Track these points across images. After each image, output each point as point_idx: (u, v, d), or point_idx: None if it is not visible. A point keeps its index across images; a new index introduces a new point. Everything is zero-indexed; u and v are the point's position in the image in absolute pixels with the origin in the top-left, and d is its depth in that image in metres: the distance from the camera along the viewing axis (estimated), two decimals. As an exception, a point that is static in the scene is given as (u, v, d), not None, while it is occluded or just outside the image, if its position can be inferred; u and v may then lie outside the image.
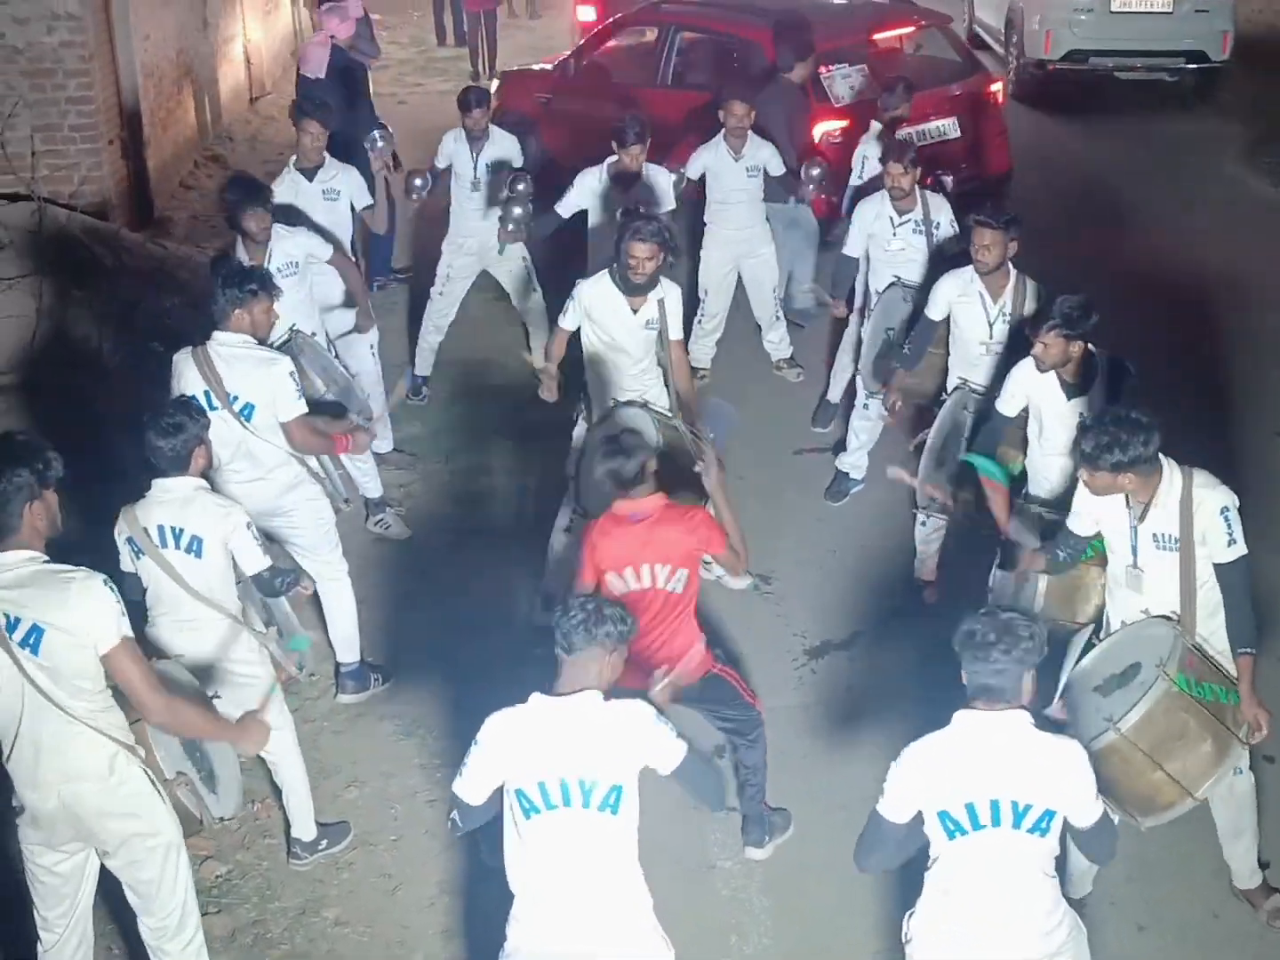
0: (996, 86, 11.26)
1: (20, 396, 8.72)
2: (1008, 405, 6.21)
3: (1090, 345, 5.94)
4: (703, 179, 9.00)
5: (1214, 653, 5.07)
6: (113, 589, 4.48)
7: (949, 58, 11.51)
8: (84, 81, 10.84)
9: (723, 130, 8.82)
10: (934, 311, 7.04)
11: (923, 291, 7.40)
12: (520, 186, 8.32)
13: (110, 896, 5.06)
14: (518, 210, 8.30)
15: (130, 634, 4.51)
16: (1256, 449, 8.34)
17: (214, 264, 6.67)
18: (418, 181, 8.85)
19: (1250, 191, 12.57)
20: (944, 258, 7.59)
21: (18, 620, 4.40)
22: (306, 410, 6.20)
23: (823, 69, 10.41)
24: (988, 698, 4.07)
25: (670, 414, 6.88)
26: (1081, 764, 4.08)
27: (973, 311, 6.86)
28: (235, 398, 6.03)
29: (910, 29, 11.55)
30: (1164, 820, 5.00)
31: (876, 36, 11.12)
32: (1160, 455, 4.97)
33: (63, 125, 10.85)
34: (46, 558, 4.50)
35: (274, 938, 5.60)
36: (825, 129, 10.19)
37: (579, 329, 6.92)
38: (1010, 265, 6.82)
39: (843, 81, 10.50)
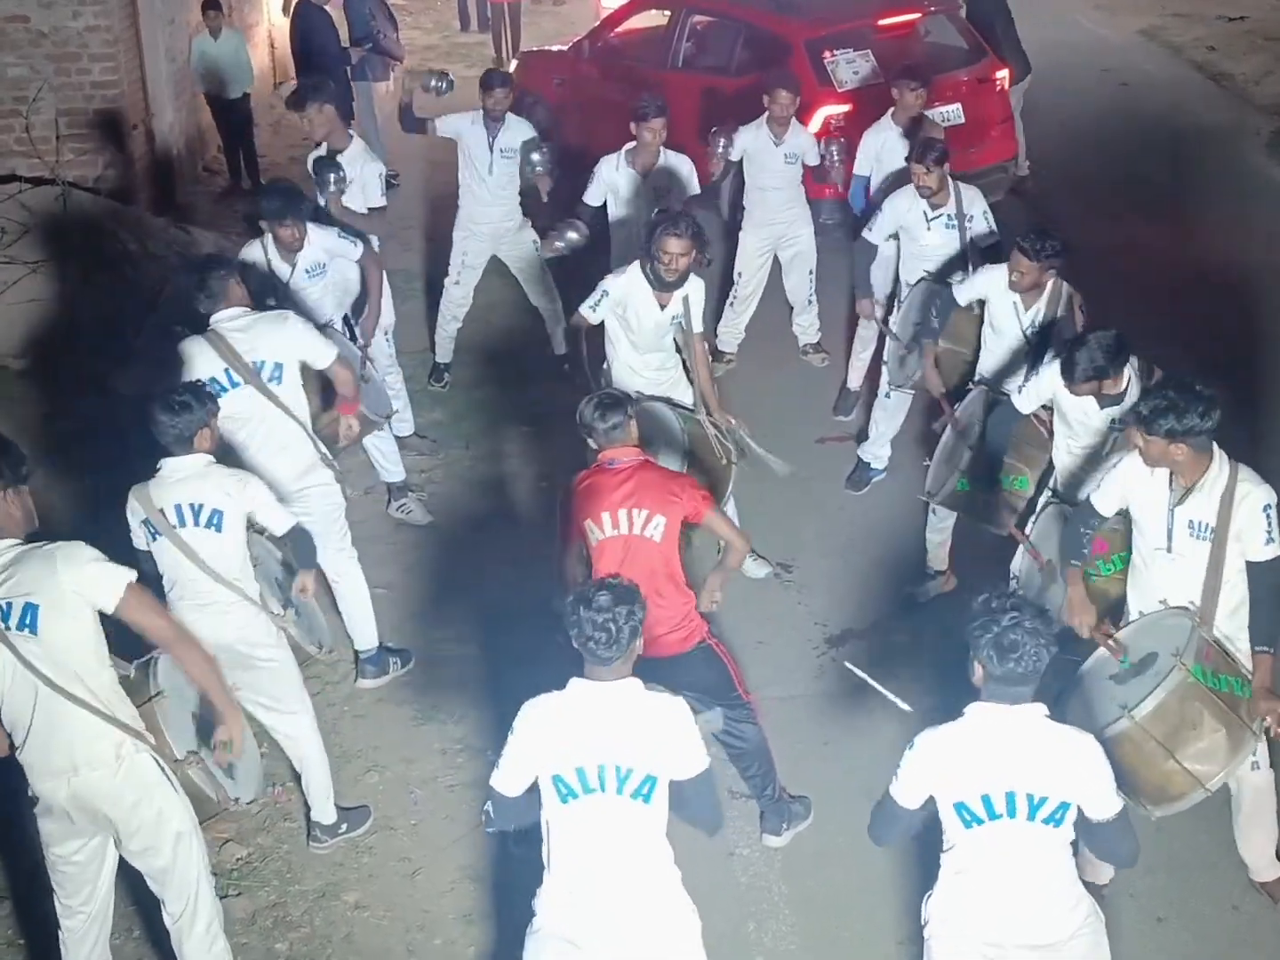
0: (1002, 73, 11.17)
1: (43, 380, 8.76)
2: (1027, 403, 6.19)
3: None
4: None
5: (1234, 650, 5.05)
6: (94, 549, 4.51)
7: (954, 44, 11.43)
8: (109, 66, 10.90)
9: (766, 114, 8.76)
10: (961, 295, 6.98)
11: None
12: (571, 234, 8.38)
13: (130, 878, 5.08)
14: (572, 234, 8.38)
15: (132, 578, 4.51)
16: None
17: (189, 266, 6.48)
18: (434, 81, 8.83)
19: (1273, 183, 12.47)
20: (977, 250, 7.55)
21: (9, 605, 4.42)
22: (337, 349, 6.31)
23: (826, 54, 10.38)
24: (1012, 698, 4.02)
25: (693, 410, 6.89)
26: (1098, 756, 4.06)
27: (1006, 315, 6.77)
28: (261, 365, 6.05)
29: (916, 14, 11.39)
30: (1175, 810, 4.99)
31: (882, 22, 11.04)
32: (1214, 443, 4.95)
33: (87, 109, 10.91)
34: (24, 543, 4.53)
35: (294, 920, 5.62)
36: (828, 114, 10.16)
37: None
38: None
39: (846, 67, 10.46)
